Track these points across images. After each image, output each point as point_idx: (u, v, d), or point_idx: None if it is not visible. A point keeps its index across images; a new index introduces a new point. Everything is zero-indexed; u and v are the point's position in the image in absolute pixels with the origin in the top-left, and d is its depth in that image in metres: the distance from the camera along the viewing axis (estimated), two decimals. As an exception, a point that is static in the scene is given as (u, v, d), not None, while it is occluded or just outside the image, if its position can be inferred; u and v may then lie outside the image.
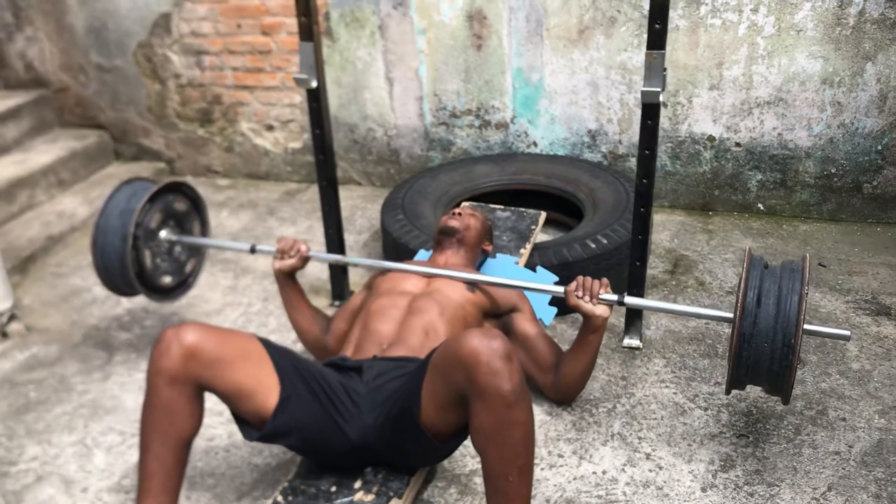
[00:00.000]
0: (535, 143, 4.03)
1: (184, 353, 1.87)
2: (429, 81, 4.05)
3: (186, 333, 1.89)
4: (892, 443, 2.30)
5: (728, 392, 2.14)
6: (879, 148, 3.54)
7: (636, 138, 3.59)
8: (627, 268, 2.73)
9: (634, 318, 2.81)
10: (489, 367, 1.70)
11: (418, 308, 2.37)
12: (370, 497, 2.10)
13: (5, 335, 3.07)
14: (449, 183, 3.60)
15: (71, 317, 3.24)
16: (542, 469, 2.27)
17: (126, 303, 3.31)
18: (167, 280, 2.83)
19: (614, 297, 2.30)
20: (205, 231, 2.97)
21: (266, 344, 2.04)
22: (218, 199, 4.38)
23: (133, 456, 2.42)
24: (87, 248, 3.82)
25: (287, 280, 2.66)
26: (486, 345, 1.72)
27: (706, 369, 2.68)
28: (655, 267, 3.38)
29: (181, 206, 2.83)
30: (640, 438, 2.38)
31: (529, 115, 3.97)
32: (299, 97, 4.31)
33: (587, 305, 2.30)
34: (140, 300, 3.32)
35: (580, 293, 2.31)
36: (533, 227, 3.11)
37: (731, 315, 2.13)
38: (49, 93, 4.66)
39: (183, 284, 2.93)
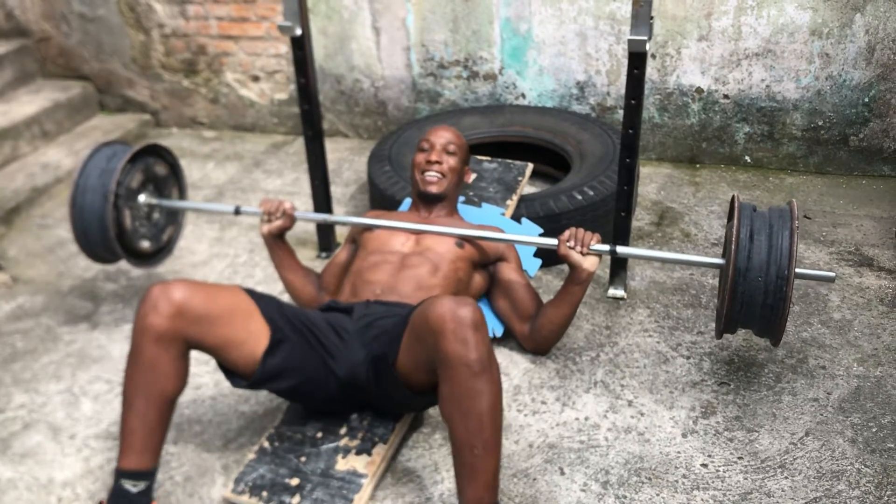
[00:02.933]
0: (523, 95, 4.01)
1: (172, 311, 1.85)
2: (416, 31, 4.00)
3: (174, 291, 1.86)
4: (869, 390, 2.34)
5: (719, 336, 2.17)
6: (866, 100, 3.53)
7: (624, 90, 3.58)
8: (613, 218, 2.74)
9: (619, 268, 2.82)
10: (455, 335, 1.71)
11: (410, 264, 2.38)
12: (355, 443, 2.13)
13: (-9, 286, 3.08)
14: (436, 134, 3.58)
15: (57, 268, 3.24)
16: (525, 415, 2.30)
17: (112, 254, 3.31)
18: (146, 245, 2.76)
19: (606, 248, 2.33)
20: (183, 198, 2.92)
21: (252, 294, 2.04)
22: (204, 151, 4.35)
23: (120, 404, 2.44)
24: (72, 199, 3.81)
25: (276, 241, 2.63)
26: (453, 312, 1.72)
27: (689, 319, 2.71)
28: (641, 219, 3.39)
29: (161, 170, 2.77)
30: (622, 386, 2.41)
31: (518, 66, 3.94)
32: (285, 47, 4.26)
33: (576, 256, 2.31)
34: (126, 251, 3.31)
35: (572, 243, 2.31)
36: (520, 178, 3.11)
37: (722, 261, 2.19)
38: (31, 42, 4.59)
39: (161, 251, 2.87)
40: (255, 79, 4.42)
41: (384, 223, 2.52)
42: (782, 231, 2.02)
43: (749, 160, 3.83)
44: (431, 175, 2.59)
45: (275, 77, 4.38)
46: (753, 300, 2.02)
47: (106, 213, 2.57)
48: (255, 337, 1.97)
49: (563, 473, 2.10)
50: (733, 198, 2.13)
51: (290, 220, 2.58)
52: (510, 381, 2.45)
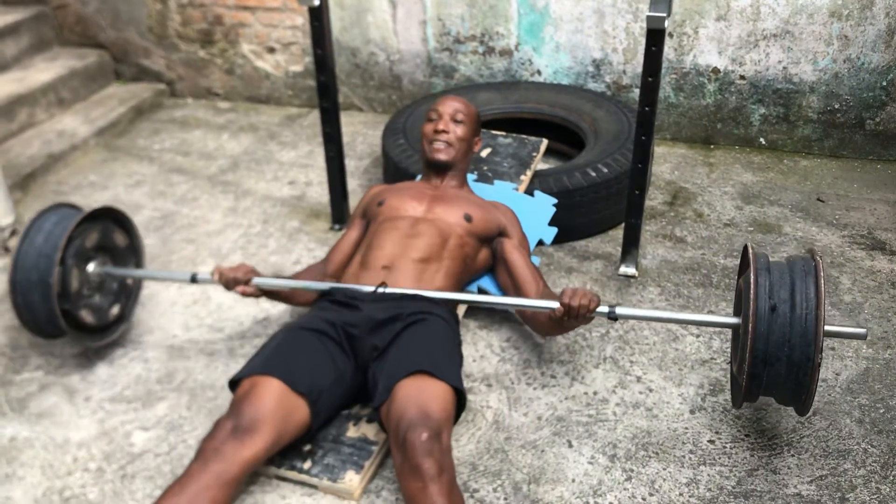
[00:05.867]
0: (538, 72, 4.00)
1: (245, 462, 1.83)
2: (433, 5, 3.99)
3: (250, 440, 1.84)
4: (877, 371, 2.35)
5: (739, 406, 2.01)
6: (884, 84, 3.51)
7: (641, 69, 3.57)
8: (626, 196, 2.74)
9: (631, 246, 2.83)
10: (410, 462, 1.78)
11: (420, 232, 2.39)
12: (367, 410, 2.16)
13: (7, 250, 3.10)
14: (451, 109, 3.58)
15: (72, 234, 3.26)
16: (534, 388, 2.32)
17: (127, 221, 3.34)
18: (115, 310, 2.49)
19: (605, 310, 2.05)
20: (132, 237, 2.59)
21: (279, 373, 2.00)
22: (218, 122, 4.36)
23: (135, 368, 2.47)
24: (88, 166, 3.83)
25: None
26: (409, 431, 1.81)
27: (700, 298, 2.72)
28: (655, 198, 3.39)
29: (93, 237, 2.40)
30: (631, 362, 2.42)
31: (534, 42, 3.93)
32: (301, 19, 4.26)
33: (573, 326, 2.16)
34: (141, 218, 3.33)
35: (567, 317, 2.08)
36: (534, 154, 3.11)
37: (736, 321, 1.98)
38: (48, 10, 4.59)
39: (130, 300, 2.59)
40: (271, 50, 4.42)
41: (343, 286, 2.30)
42: (806, 286, 1.81)
43: (764, 142, 3.82)
44: (439, 143, 2.58)
45: (290, 49, 4.38)
46: (776, 366, 1.81)
47: (63, 331, 2.31)
48: (299, 414, 1.99)
49: (570, 446, 2.12)
50: (745, 248, 1.96)
51: (253, 294, 2.33)
52: (520, 354, 2.47)
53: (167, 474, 2.06)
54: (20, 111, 3.98)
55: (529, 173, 3.00)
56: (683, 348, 2.48)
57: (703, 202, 3.36)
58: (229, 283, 2.31)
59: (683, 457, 2.08)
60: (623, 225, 2.82)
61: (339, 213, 3.21)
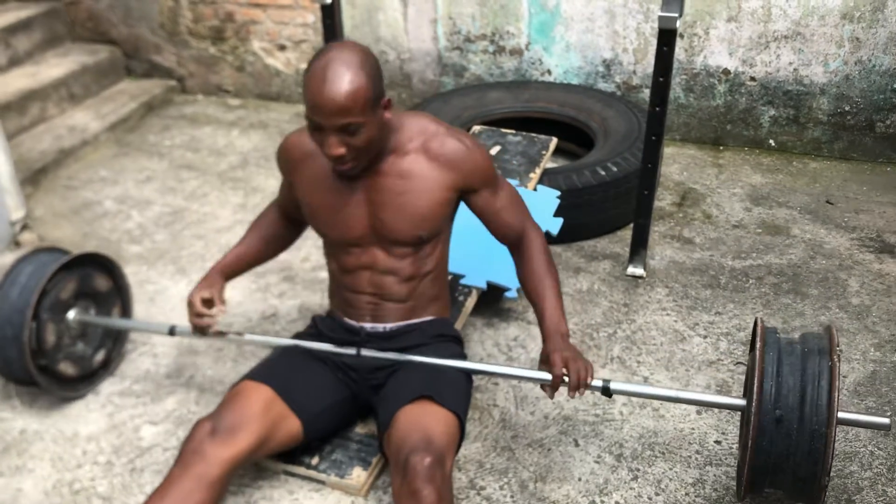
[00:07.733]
0: (549, 72, 4.00)
1: (226, 458, 1.79)
2: (444, 3, 4.00)
3: (226, 437, 1.80)
4: (885, 374, 2.35)
5: (741, 498, 1.81)
6: (895, 86, 3.50)
7: (651, 69, 3.56)
8: (635, 196, 2.75)
9: (639, 247, 2.83)
10: (410, 485, 1.72)
11: (384, 265, 2.04)
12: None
13: (18, 244, 3.12)
14: (461, 108, 3.59)
15: (82, 229, 3.28)
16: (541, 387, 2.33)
17: (137, 216, 3.35)
18: (100, 356, 2.42)
19: (598, 384, 1.86)
20: (116, 279, 2.48)
21: (275, 387, 1.95)
22: (229, 119, 4.38)
23: (144, 363, 2.49)
24: (99, 162, 3.85)
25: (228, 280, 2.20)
26: (412, 461, 1.74)
27: (707, 299, 2.72)
28: (663, 199, 3.39)
29: (69, 287, 2.29)
30: (638, 362, 2.43)
31: (544, 41, 3.93)
32: (312, 17, 4.27)
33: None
34: (151, 214, 3.35)
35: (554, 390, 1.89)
36: (543, 152, 3.12)
37: (743, 402, 1.81)
38: (60, 5, 4.62)
39: (117, 343, 2.49)
40: (282, 48, 4.43)
41: (314, 345, 2.08)
42: (820, 366, 1.67)
43: (773, 144, 3.82)
44: (339, 166, 1.86)
45: (301, 47, 4.39)
46: (782, 457, 1.67)
47: (36, 381, 2.22)
48: (289, 425, 1.95)
49: (577, 445, 2.13)
50: (756, 322, 1.81)
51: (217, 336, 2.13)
52: (527, 353, 2.48)
53: (175, 468, 2.08)
54: (32, 106, 4.01)
55: (539, 171, 3.01)
56: (690, 349, 2.48)
57: (712, 203, 3.36)
58: (200, 322, 2.07)
59: (690, 457, 2.09)
60: (631, 225, 2.83)
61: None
